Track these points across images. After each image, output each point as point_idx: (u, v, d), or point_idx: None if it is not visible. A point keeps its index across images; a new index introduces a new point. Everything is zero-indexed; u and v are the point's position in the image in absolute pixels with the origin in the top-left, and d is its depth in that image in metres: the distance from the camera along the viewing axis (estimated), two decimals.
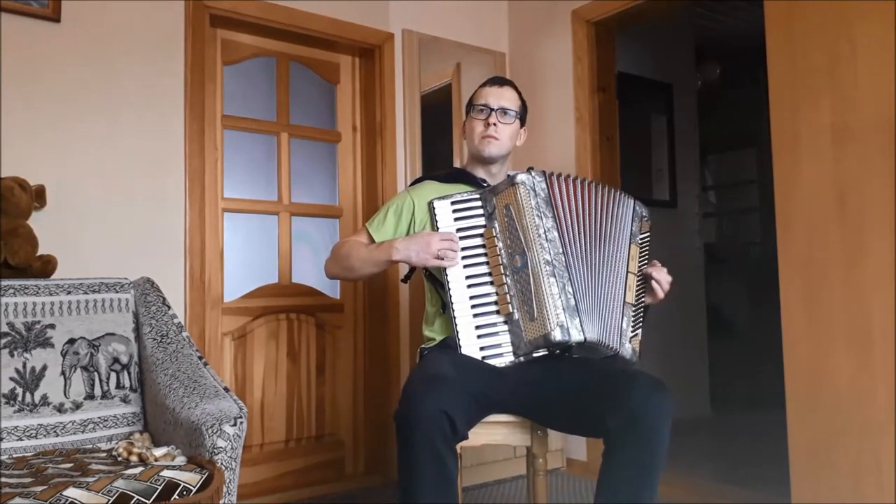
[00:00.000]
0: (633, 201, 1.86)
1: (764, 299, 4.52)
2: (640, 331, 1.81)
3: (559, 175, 1.79)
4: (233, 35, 2.90)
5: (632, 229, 1.83)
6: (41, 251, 2.16)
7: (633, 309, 1.79)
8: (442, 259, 1.73)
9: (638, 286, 1.81)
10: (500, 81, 2.00)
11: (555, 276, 1.67)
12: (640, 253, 1.84)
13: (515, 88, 2.01)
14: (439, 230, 1.77)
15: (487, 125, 1.92)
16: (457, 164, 3.31)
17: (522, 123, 2.02)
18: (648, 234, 1.89)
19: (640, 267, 1.82)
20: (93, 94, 2.44)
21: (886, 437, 1.97)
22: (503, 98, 1.95)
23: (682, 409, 3.99)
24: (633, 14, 3.06)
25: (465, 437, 1.57)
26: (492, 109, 1.93)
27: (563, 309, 1.65)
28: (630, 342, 1.76)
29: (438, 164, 3.26)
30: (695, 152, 4.54)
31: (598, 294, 1.73)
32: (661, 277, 1.84)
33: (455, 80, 3.40)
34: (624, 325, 1.75)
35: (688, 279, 4.35)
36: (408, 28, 3.21)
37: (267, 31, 2.93)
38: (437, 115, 3.36)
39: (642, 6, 2.97)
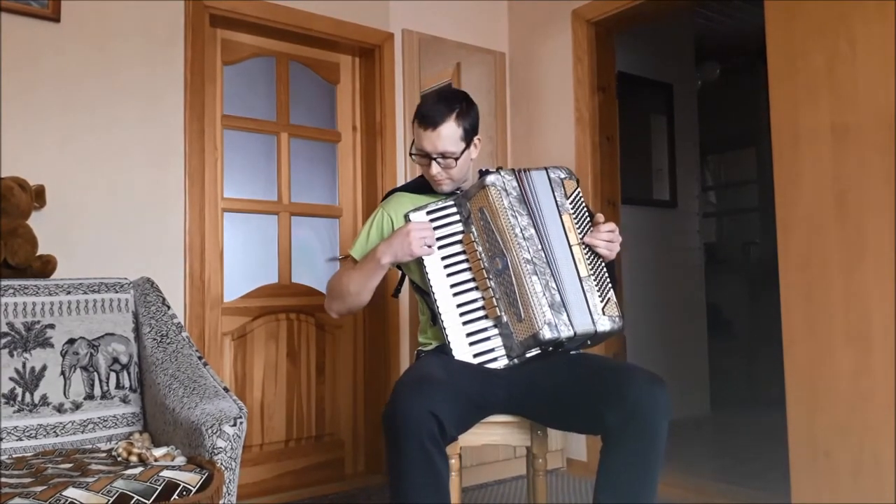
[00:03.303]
0: (544, 170, 1.76)
1: (764, 299, 4.53)
2: (611, 294, 1.71)
3: (527, 170, 1.75)
4: (233, 35, 2.90)
5: (556, 200, 1.73)
6: (41, 251, 2.16)
7: (594, 279, 1.69)
8: (429, 247, 1.72)
9: (586, 254, 1.71)
10: (433, 121, 1.78)
11: (537, 274, 1.66)
12: (576, 217, 1.74)
13: (455, 114, 1.80)
14: None
15: (431, 173, 1.83)
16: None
17: (470, 141, 1.85)
18: (577, 190, 1.77)
19: (580, 234, 1.72)
20: (92, 94, 2.44)
21: (886, 437, 1.97)
22: (439, 142, 1.78)
23: (682, 409, 4.01)
24: (633, 14, 3.06)
25: (455, 439, 1.57)
26: (432, 158, 1.81)
27: (549, 306, 1.64)
28: (604, 313, 1.67)
29: None
30: (695, 152, 4.55)
31: (566, 282, 1.68)
32: (599, 242, 1.71)
33: (455, 80, 3.40)
34: (590, 301, 1.67)
35: (688, 279, 4.36)
36: (408, 28, 3.21)
37: (267, 31, 2.93)
38: None
39: (642, 6, 2.96)
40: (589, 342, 1.74)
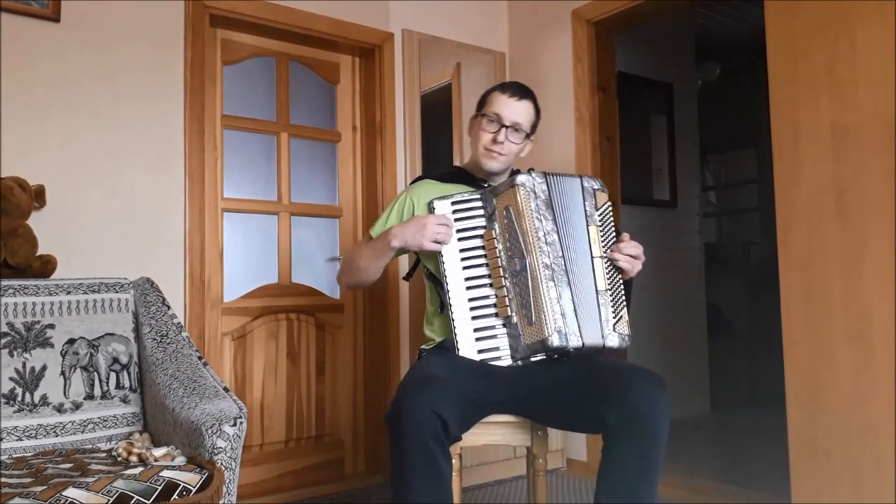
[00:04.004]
0: (578, 179, 1.77)
1: (764, 299, 4.53)
2: (625, 312, 1.73)
3: (559, 175, 1.76)
4: (232, 35, 2.89)
5: (585, 210, 1.74)
6: (41, 251, 2.16)
7: (610, 294, 1.71)
8: (439, 242, 1.72)
9: (607, 268, 1.73)
10: (519, 92, 1.87)
11: (553, 281, 1.66)
12: (603, 231, 1.75)
13: (534, 100, 1.90)
14: None
15: (495, 140, 1.84)
16: (457, 163, 3.30)
17: (531, 134, 1.92)
18: (607, 204, 1.78)
19: (604, 247, 1.73)
20: (92, 94, 2.44)
21: (886, 437, 1.97)
22: (518, 113, 1.85)
23: (682, 409, 4.01)
24: (633, 14, 3.06)
25: (459, 439, 1.57)
26: (503, 125, 1.84)
27: (562, 314, 1.64)
28: (615, 329, 1.69)
29: (438, 164, 3.26)
30: (695, 152, 4.55)
31: (582, 292, 1.69)
32: (621, 256, 1.73)
33: (455, 80, 3.40)
34: (603, 315, 1.68)
35: (688, 279, 4.36)
36: (408, 28, 3.21)
37: (267, 31, 2.93)
38: (437, 115, 3.36)
39: (642, 6, 2.96)
40: (594, 354, 1.74)
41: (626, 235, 1.77)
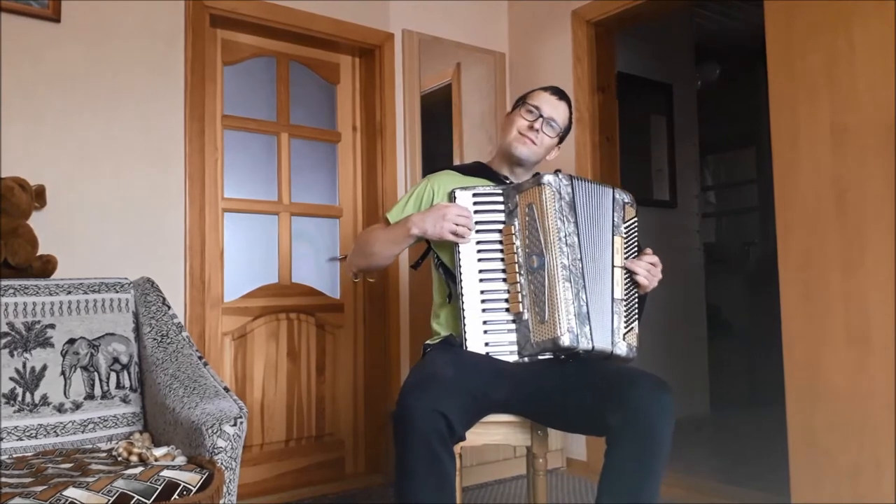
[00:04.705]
0: (611, 190, 1.81)
1: (763, 299, 4.53)
2: (635, 324, 1.77)
3: (587, 181, 1.78)
4: (233, 35, 2.90)
5: (613, 220, 1.78)
6: (41, 251, 2.17)
7: (624, 304, 1.75)
8: (457, 234, 1.72)
9: (625, 279, 1.77)
10: (560, 93, 1.98)
11: (570, 282, 1.66)
12: (626, 243, 1.79)
13: (570, 108, 2.00)
14: None
15: (531, 127, 1.91)
16: (456, 163, 3.30)
17: (560, 141, 2.00)
18: (634, 219, 1.83)
19: (626, 258, 1.78)
20: (93, 95, 2.44)
21: (886, 436, 1.97)
22: (556, 111, 1.94)
23: (682, 409, 3.99)
24: (633, 14, 3.06)
25: (463, 438, 1.57)
26: (541, 116, 1.92)
27: (575, 315, 1.65)
28: (624, 338, 1.72)
29: (439, 164, 3.25)
30: (694, 152, 4.55)
31: (597, 297, 1.72)
32: (640, 269, 1.77)
33: (455, 80, 3.40)
34: (615, 323, 1.71)
35: (688, 279, 4.36)
36: (408, 28, 3.21)
37: (267, 31, 2.93)
38: (437, 115, 3.36)
39: (642, 6, 2.97)
40: (600, 360, 1.75)
41: (648, 250, 1.82)
